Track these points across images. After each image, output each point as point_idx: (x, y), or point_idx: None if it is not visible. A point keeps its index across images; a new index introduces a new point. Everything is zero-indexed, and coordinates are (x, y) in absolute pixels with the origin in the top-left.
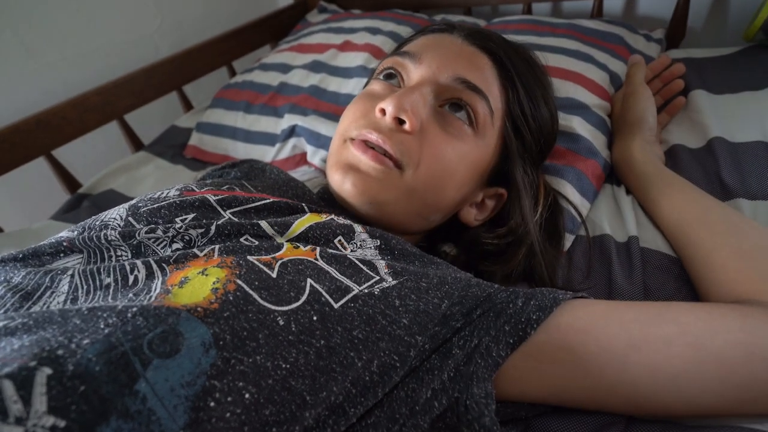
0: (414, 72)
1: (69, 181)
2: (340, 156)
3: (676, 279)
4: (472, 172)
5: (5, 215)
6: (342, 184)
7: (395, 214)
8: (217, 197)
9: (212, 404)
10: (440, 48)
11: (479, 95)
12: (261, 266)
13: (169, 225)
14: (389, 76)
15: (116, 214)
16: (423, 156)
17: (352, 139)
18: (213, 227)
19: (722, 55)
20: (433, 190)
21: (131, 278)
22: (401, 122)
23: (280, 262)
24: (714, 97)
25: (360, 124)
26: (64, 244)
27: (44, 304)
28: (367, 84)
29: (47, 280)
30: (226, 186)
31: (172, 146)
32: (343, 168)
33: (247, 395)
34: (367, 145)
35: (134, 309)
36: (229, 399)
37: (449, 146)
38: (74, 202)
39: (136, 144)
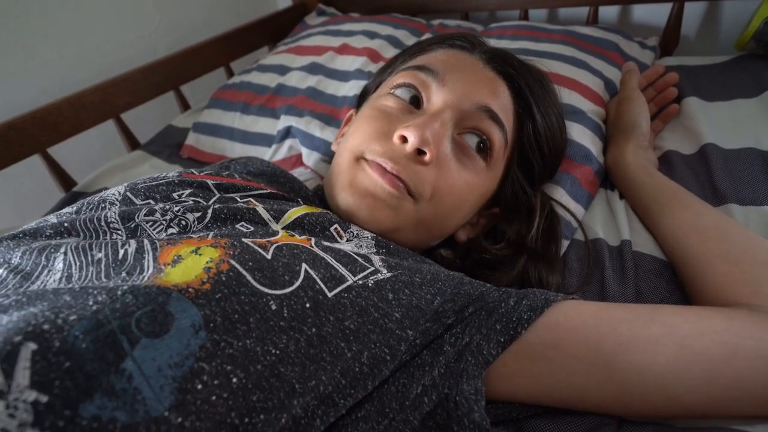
0: (436, 94)
1: (64, 179)
2: (354, 177)
3: (668, 283)
4: (478, 201)
5: None
6: (358, 211)
7: (400, 240)
8: (215, 182)
9: (199, 387)
10: (463, 71)
11: (498, 126)
12: (256, 247)
13: (167, 205)
14: (406, 91)
15: (115, 190)
16: (437, 188)
17: (366, 160)
18: (210, 211)
19: (715, 63)
20: (441, 220)
21: (121, 252)
22: (420, 152)
23: (275, 245)
24: (707, 105)
25: (374, 149)
26: (66, 225)
27: (42, 283)
28: (375, 88)
29: (43, 258)
30: (226, 173)
31: (169, 146)
32: (359, 193)
33: (234, 379)
34: (386, 170)
35: (125, 287)
36: (216, 382)
37: (462, 179)
38: (68, 200)
39: (132, 143)
